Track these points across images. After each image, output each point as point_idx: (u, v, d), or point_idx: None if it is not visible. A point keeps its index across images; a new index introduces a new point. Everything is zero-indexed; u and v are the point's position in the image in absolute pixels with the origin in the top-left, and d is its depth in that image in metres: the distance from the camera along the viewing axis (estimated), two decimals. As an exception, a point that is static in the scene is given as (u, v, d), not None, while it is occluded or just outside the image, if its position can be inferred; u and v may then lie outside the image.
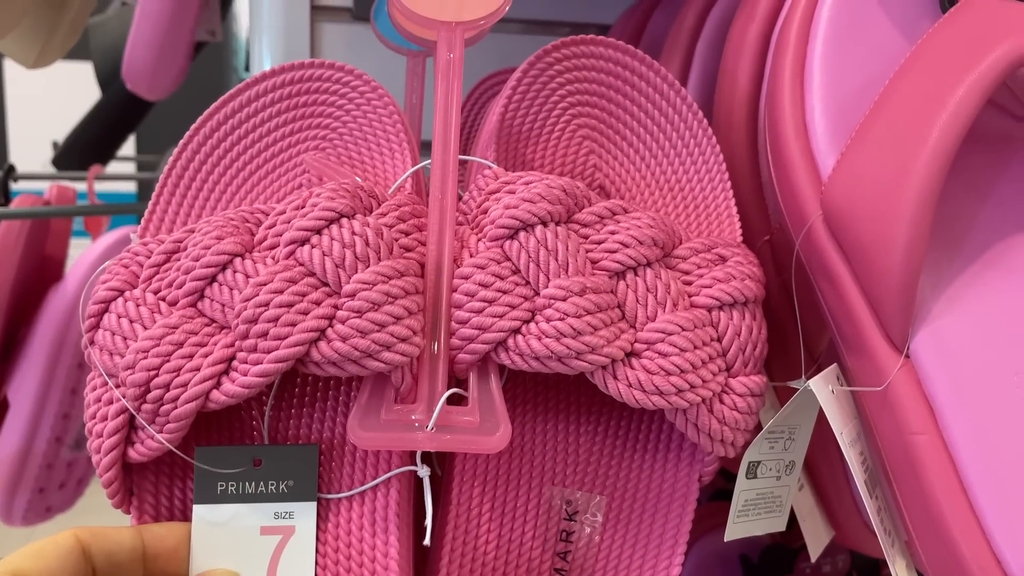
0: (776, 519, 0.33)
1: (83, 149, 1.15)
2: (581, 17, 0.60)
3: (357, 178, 0.31)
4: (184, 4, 0.90)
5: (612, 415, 0.33)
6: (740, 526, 0.31)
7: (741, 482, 0.31)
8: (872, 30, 0.33)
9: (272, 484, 0.28)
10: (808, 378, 0.31)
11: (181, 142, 0.33)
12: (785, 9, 0.35)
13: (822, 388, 0.30)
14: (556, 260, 0.29)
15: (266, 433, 0.30)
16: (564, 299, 0.28)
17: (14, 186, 0.91)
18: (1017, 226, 0.31)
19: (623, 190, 0.35)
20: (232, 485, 0.28)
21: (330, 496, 0.29)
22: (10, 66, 2.24)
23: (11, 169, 0.90)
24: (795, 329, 0.34)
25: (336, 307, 0.27)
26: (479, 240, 0.30)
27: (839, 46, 0.33)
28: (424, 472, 0.28)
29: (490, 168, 0.31)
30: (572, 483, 0.32)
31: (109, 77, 1.10)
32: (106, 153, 1.16)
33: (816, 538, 0.37)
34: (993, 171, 0.32)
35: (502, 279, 0.29)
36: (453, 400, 0.28)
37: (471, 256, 0.29)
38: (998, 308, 0.29)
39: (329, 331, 0.26)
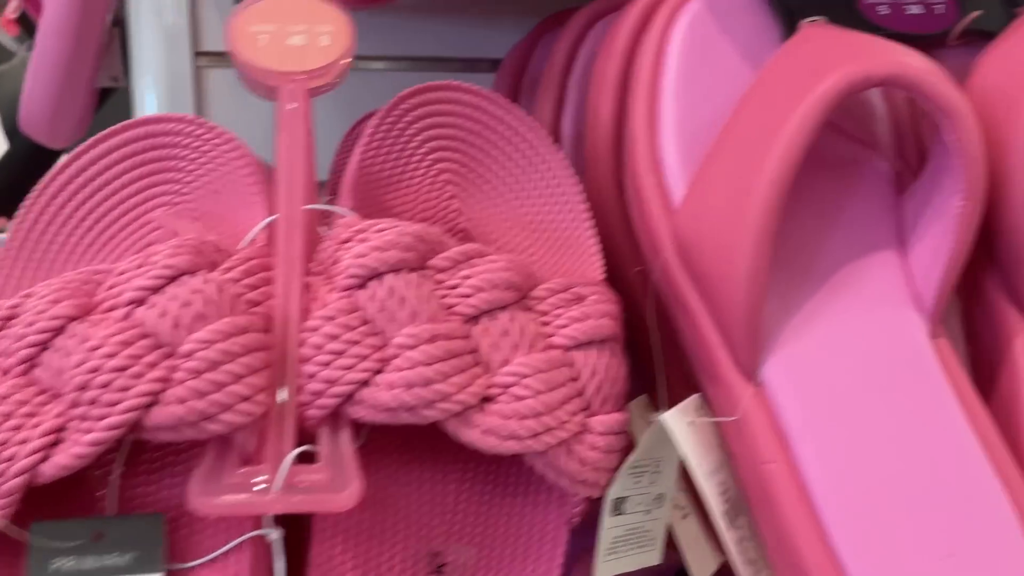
0: (649, 554, 0.33)
1: (-11, 200, 1.11)
2: (472, 52, 0.61)
3: (208, 235, 0.30)
4: (82, 48, 0.88)
5: (479, 462, 0.32)
6: (610, 564, 0.31)
7: (607, 520, 0.31)
8: (721, 62, 0.34)
9: (115, 557, 0.27)
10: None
11: (26, 202, 0.32)
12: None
13: (678, 420, 0.30)
14: (406, 308, 0.28)
15: (115, 503, 0.29)
16: (414, 347, 0.28)
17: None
18: (864, 249, 0.32)
19: (487, 232, 0.35)
20: (69, 561, 0.26)
21: (181, 566, 0.28)
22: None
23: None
24: (670, 358, 0.35)
25: (173, 369, 0.26)
26: (330, 291, 0.29)
27: (689, 79, 0.34)
28: (276, 535, 0.27)
29: (345, 217, 0.31)
30: (439, 535, 0.31)
31: (15, 127, 1.07)
32: (12, 205, 1.13)
33: (701, 567, 0.37)
34: (841, 195, 0.33)
35: (351, 330, 0.28)
36: (305, 458, 0.28)
37: (321, 308, 0.29)
38: (847, 331, 0.30)
39: (165, 394, 0.26)
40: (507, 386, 0.29)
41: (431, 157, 0.34)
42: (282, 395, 0.27)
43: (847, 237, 0.32)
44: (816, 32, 0.31)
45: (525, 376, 0.29)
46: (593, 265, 0.34)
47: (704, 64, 0.34)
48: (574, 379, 0.30)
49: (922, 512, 0.27)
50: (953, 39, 0.34)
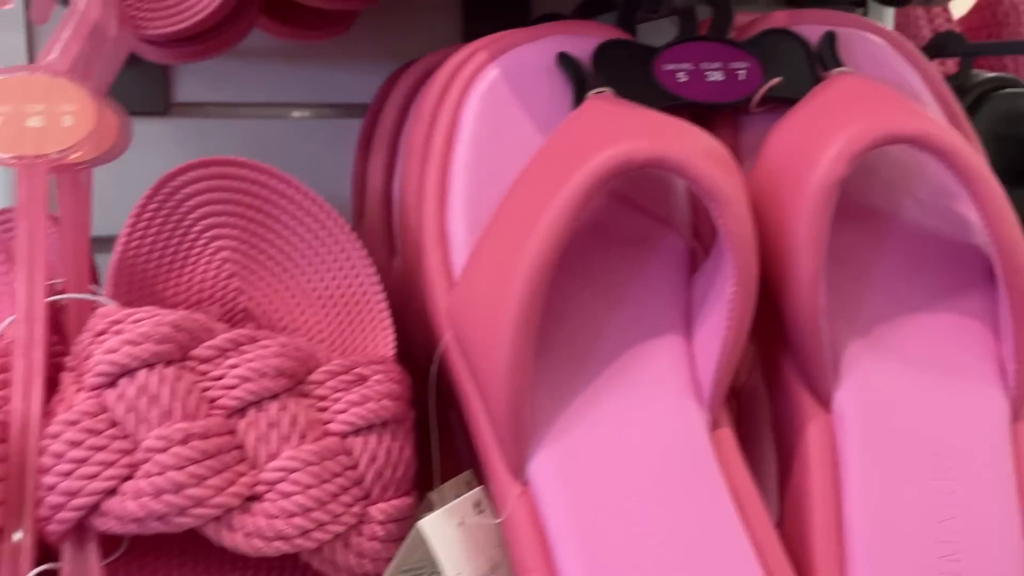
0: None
1: None
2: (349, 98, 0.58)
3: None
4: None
5: (263, 561, 0.31)
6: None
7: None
8: (515, 132, 0.33)
9: None
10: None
11: None
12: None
13: (441, 522, 0.28)
14: (158, 407, 0.27)
15: None
16: (164, 450, 0.26)
17: None
18: (649, 333, 0.31)
19: (270, 312, 0.33)
20: None
21: None
22: None
23: None
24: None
25: None
26: (78, 391, 0.27)
27: (481, 149, 0.33)
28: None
29: (104, 306, 0.29)
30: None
31: None
32: None
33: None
34: (631, 275, 0.32)
35: (97, 434, 0.26)
36: (47, 576, 0.25)
37: (67, 410, 0.27)
38: (622, 424, 0.29)
39: None
40: (274, 483, 0.27)
41: (207, 235, 0.33)
42: (18, 512, 0.25)
43: (633, 320, 0.31)
44: (596, 106, 0.31)
45: (294, 470, 0.27)
46: (385, 341, 0.33)
47: (497, 134, 0.33)
48: (352, 467, 0.29)
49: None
50: (755, 107, 0.34)
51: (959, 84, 0.46)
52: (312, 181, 0.56)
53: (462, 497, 0.30)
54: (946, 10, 0.82)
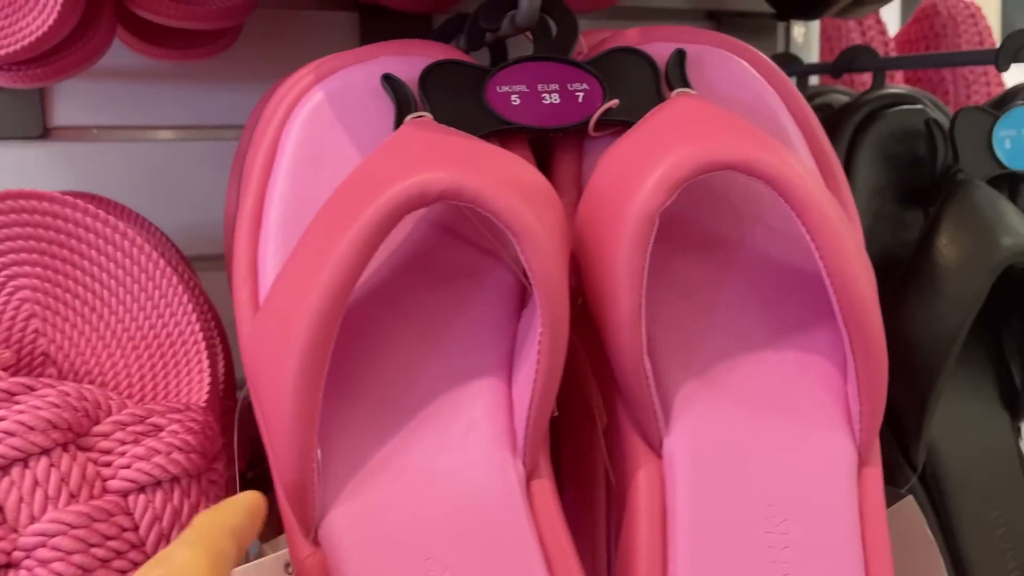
0: None
1: None
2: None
3: None
4: None
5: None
6: None
7: None
8: (336, 159, 0.31)
9: None
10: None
11: None
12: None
13: None
14: (-99, 468, 0.24)
15: None
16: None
17: None
18: (464, 376, 0.28)
19: (74, 356, 0.31)
20: None
21: None
22: None
23: None
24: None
25: None
26: None
27: (299, 178, 0.31)
28: None
29: None
30: None
31: None
32: None
33: None
34: (453, 313, 0.30)
35: None
36: None
37: None
38: (427, 478, 0.27)
39: None
40: (31, 549, 0.25)
41: (3, 274, 0.31)
42: None
43: (451, 363, 0.29)
44: (408, 132, 0.29)
45: (54, 535, 0.25)
46: (200, 384, 0.31)
47: (318, 160, 0.31)
48: (131, 529, 0.27)
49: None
50: (594, 130, 0.32)
51: (854, 101, 0.44)
52: (195, 205, 0.54)
53: (272, 555, 0.28)
54: (879, 22, 0.81)
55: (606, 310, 0.28)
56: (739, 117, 0.29)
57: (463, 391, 0.28)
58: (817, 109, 0.42)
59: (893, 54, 0.79)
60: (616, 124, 0.32)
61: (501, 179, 0.26)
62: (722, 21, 0.66)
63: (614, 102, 0.31)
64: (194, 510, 0.28)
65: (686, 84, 0.32)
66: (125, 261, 0.32)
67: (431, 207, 0.31)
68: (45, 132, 0.53)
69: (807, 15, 0.58)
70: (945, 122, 0.43)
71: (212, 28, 0.43)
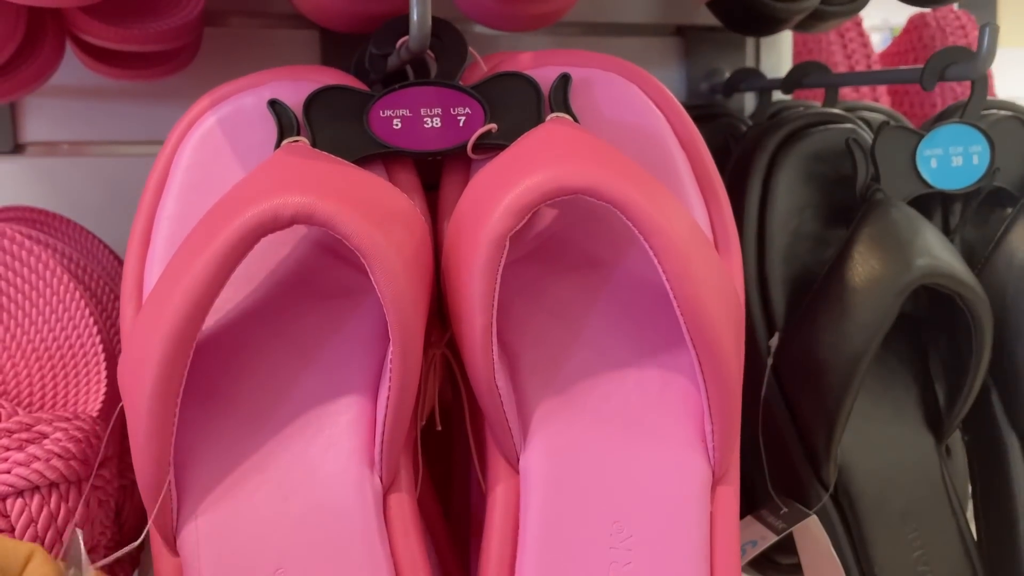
0: None
1: None
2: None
3: None
4: None
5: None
6: None
7: None
8: (222, 185, 0.32)
9: None
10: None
11: None
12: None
13: None
14: None
15: None
16: None
17: None
18: (331, 393, 0.29)
19: (-24, 364, 0.33)
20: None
21: None
22: None
23: None
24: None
25: None
26: None
27: (186, 203, 0.32)
28: None
29: None
30: None
31: None
32: None
33: None
34: (325, 330, 0.31)
35: None
36: None
37: None
38: (283, 491, 0.28)
39: None
40: (-96, 548, 0.27)
41: (-88, 288, 0.33)
42: None
43: (321, 380, 0.30)
44: (278, 157, 0.30)
45: (-73, 535, 0.27)
46: (96, 394, 0.33)
47: (206, 183, 0.32)
48: (7, 530, 0.28)
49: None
50: (473, 153, 0.33)
51: (776, 121, 0.44)
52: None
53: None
54: (862, 34, 0.80)
55: (461, 330, 0.29)
56: (603, 143, 0.30)
57: (329, 407, 0.29)
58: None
59: (876, 67, 0.79)
60: (495, 147, 0.32)
61: (355, 203, 0.27)
62: (690, 36, 0.66)
63: (491, 126, 0.32)
64: (71, 515, 0.29)
65: (567, 108, 0.33)
66: (27, 273, 0.33)
67: (312, 229, 0.32)
68: (16, 147, 0.55)
69: (759, 32, 0.58)
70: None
71: (152, 50, 0.45)
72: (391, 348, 0.27)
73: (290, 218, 0.26)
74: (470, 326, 0.28)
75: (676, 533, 0.28)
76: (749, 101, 0.65)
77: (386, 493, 0.29)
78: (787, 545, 0.48)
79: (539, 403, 0.30)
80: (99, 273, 0.38)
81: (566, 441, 0.29)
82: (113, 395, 0.33)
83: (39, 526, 0.29)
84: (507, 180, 0.28)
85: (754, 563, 0.50)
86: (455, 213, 0.30)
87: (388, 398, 0.28)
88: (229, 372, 0.30)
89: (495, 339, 0.28)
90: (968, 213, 0.44)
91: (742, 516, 0.43)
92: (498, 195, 0.28)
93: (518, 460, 0.29)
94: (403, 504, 0.28)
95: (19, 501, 0.29)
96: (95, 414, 0.32)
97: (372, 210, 0.27)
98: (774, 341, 0.41)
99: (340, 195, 0.27)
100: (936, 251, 0.39)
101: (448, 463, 0.40)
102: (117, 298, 0.37)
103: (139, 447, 0.27)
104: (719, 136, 0.51)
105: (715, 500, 0.29)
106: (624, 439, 0.29)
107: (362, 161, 0.32)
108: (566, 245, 0.32)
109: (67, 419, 0.31)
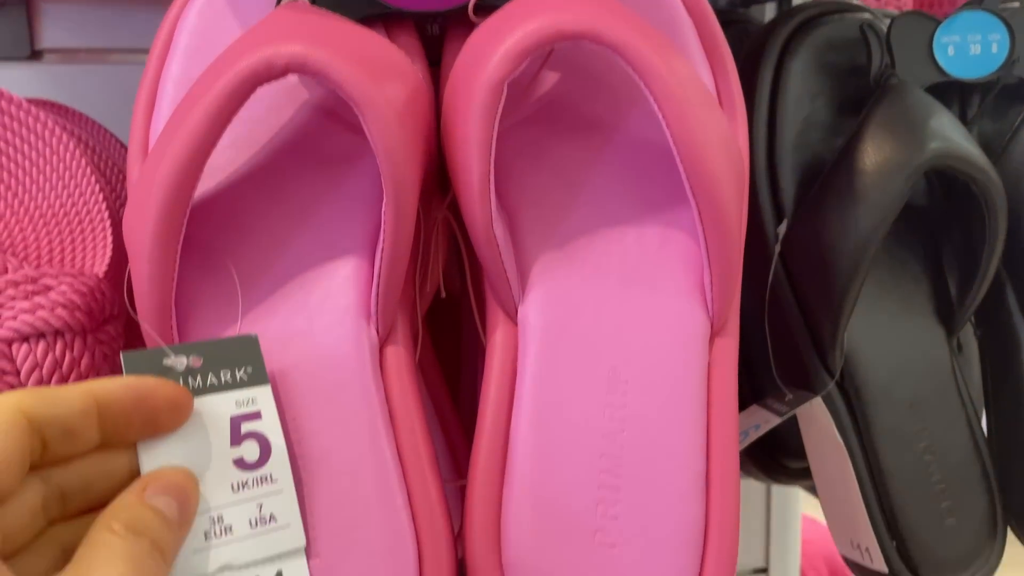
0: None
1: None
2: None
3: None
4: None
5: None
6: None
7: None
8: (223, 47, 0.32)
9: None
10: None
11: None
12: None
13: None
14: None
15: None
16: None
17: None
18: (328, 252, 0.30)
19: (-14, 227, 0.33)
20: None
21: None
22: None
23: None
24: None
25: None
26: None
27: (190, 66, 0.32)
28: None
29: None
30: None
31: None
32: None
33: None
34: (323, 192, 0.31)
35: None
36: None
37: None
38: (281, 342, 0.29)
39: None
40: (-87, 381, 0.27)
41: (-78, 150, 0.33)
42: None
43: (317, 239, 0.30)
44: (277, 14, 0.30)
45: (-65, 370, 0.27)
46: (102, 257, 0.33)
47: (209, 46, 0.32)
48: (12, 374, 0.29)
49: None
50: (473, 15, 0.32)
51: (789, 10, 0.43)
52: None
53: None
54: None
55: (459, 180, 0.28)
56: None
57: (327, 265, 0.30)
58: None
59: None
60: (496, 7, 0.32)
61: (349, 53, 0.27)
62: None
63: (482, -15, 0.32)
64: (76, 364, 0.30)
65: (569, -31, 0.32)
66: (36, 141, 0.34)
67: (314, 92, 0.32)
68: (33, 54, 0.55)
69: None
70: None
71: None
72: (384, 200, 0.27)
73: (283, 67, 0.26)
74: (467, 174, 0.28)
75: (673, 380, 0.28)
76: (770, 14, 0.64)
77: (382, 346, 0.29)
78: (797, 449, 0.48)
79: (538, 258, 0.30)
80: (109, 156, 0.39)
81: (564, 292, 0.29)
82: (120, 261, 0.34)
83: (44, 371, 0.29)
84: (506, 28, 0.28)
85: (764, 467, 0.51)
86: (454, 68, 0.30)
87: (382, 250, 0.28)
88: (229, 233, 0.30)
89: (492, 187, 0.28)
90: (986, 105, 0.43)
91: (746, 408, 0.43)
92: (497, 42, 0.28)
93: (516, 312, 0.29)
94: (399, 356, 0.29)
95: (24, 347, 0.29)
96: (101, 275, 0.32)
97: (366, 61, 0.27)
98: (782, 228, 0.41)
99: (334, 46, 0.27)
100: (951, 134, 0.38)
101: (457, 350, 0.41)
102: (125, 179, 0.38)
103: (142, 293, 0.27)
104: (736, 41, 0.50)
105: (713, 351, 0.29)
106: (622, 290, 0.29)
107: (363, 22, 0.32)
108: (567, 107, 0.32)
109: (72, 275, 0.31)
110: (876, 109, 0.40)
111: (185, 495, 0.24)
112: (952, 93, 0.43)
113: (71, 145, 0.34)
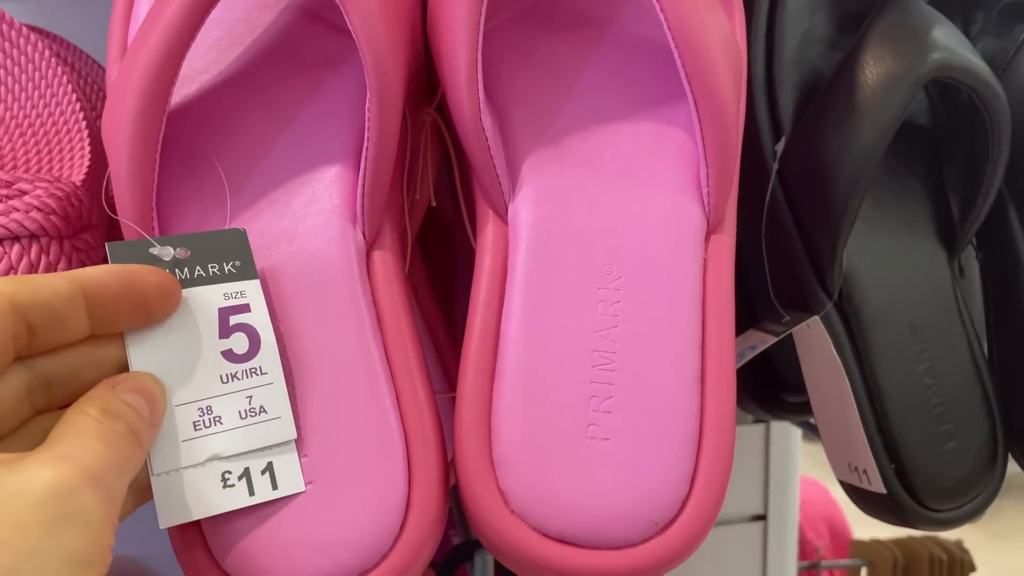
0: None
1: None
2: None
3: None
4: None
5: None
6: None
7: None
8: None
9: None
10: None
11: None
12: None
13: None
14: None
15: None
16: None
17: None
18: (312, 155, 0.29)
19: (-39, 135, 0.32)
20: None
21: None
22: None
23: None
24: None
25: None
26: None
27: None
28: None
29: None
30: None
31: None
32: None
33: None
34: (307, 96, 0.30)
35: None
36: None
37: None
38: (265, 242, 0.28)
39: None
40: None
41: None
42: None
43: (302, 143, 0.29)
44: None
45: (-96, 270, 0.26)
46: (80, 165, 0.32)
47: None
48: (-14, 275, 0.28)
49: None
50: None
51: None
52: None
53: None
54: None
55: (446, 69, 0.28)
56: None
57: (312, 168, 0.29)
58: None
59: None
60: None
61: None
62: None
63: None
64: (51, 268, 0.29)
65: None
66: (11, 50, 0.33)
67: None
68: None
69: None
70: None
71: None
72: (368, 94, 0.26)
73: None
74: (454, 62, 0.27)
75: (667, 275, 0.27)
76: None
77: (369, 250, 0.28)
78: (795, 383, 0.47)
79: (529, 154, 0.29)
80: (90, 75, 0.37)
81: (556, 189, 0.28)
82: (98, 171, 0.33)
83: (20, 271, 0.28)
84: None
85: (762, 402, 0.50)
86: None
87: (367, 148, 0.27)
88: (210, 136, 0.29)
89: (480, 75, 0.27)
90: (989, 21, 0.42)
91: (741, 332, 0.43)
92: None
93: (507, 211, 0.28)
94: (386, 260, 0.28)
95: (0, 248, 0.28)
96: (78, 183, 0.31)
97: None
98: (780, 145, 0.40)
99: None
100: (953, 45, 0.37)
101: (452, 275, 0.40)
102: (104, 97, 0.37)
103: (122, 192, 0.26)
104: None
105: (709, 247, 0.28)
106: (615, 185, 0.28)
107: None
108: (559, 4, 0.31)
109: (48, 180, 0.30)
110: (877, 21, 0.38)
111: (153, 397, 0.23)
112: (955, 9, 0.42)
113: (47, 53, 0.33)
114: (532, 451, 0.25)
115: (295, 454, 0.25)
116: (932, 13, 0.38)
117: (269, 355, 0.25)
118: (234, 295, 0.25)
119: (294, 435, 0.25)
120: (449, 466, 0.27)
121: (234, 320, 0.25)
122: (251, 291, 0.25)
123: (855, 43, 0.38)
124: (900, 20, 0.38)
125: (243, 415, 0.24)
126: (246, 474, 0.24)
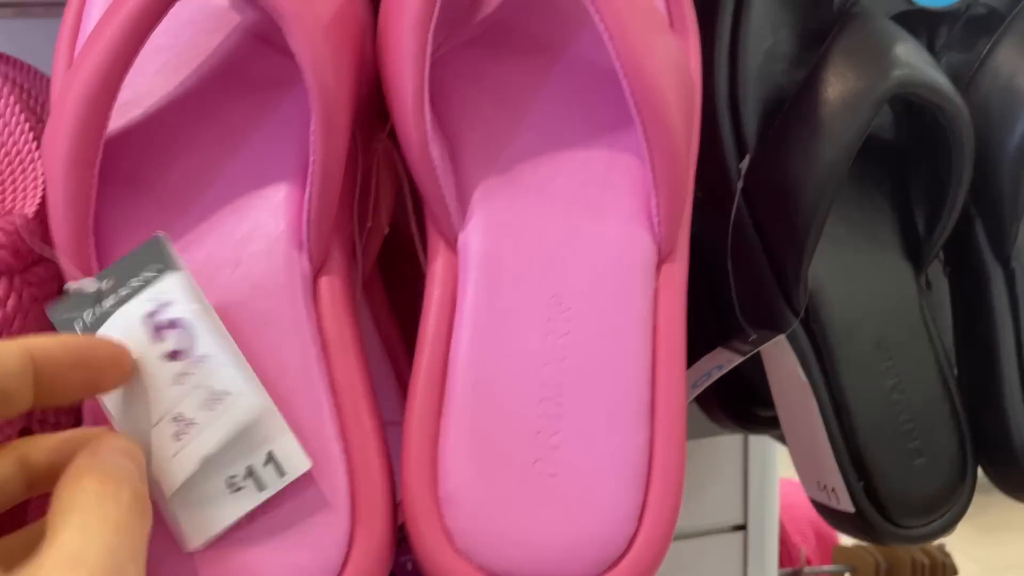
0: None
1: None
2: None
3: None
4: None
5: None
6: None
7: None
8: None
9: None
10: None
11: None
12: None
13: None
14: None
15: None
16: None
17: None
18: (259, 179, 0.28)
19: (-90, 166, 0.32)
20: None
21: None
22: None
23: None
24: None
25: None
26: None
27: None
28: None
29: None
30: None
31: None
32: None
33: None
34: (255, 118, 0.29)
35: None
36: None
37: None
38: (208, 270, 0.27)
39: None
40: None
41: None
42: None
43: (249, 166, 0.29)
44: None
45: None
46: (33, 196, 0.32)
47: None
48: (-70, 313, 0.27)
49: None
50: None
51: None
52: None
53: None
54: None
55: (393, 96, 0.27)
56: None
57: (257, 192, 0.28)
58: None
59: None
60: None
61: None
62: None
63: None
64: (1, 304, 0.29)
65: None
66: (-42, 77, 0.32)
67: (246, 16, 0.31)
68: (-20, 7, 0.54)
69: None
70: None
71: None
72: (312, 118, 0.26)
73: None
74: (401, 89, 0.27)
75: (617, 306, 0.27)
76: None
77: (316, 276, 0.28)
78: (768, 397, 0.47)
79: (479, 183, 0.28)
80: (39, 93, 0.37)
81: (506, 218, 0.28)
82: (51, 200, 0.32)
83: (-37, 310, 0.28)
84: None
85: (736, 417, 0.50)
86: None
87: (312, 172, 0.26)
88: (155, 159, 0.29)
89: (427, 103, 0.26)
90: (953, 35, 0.42)
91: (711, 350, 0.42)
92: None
93: (456, 240, 0.28)
94: (333, 286, 0.27)
95: (-57, 285, 0.28)
96: (30, 215, 0.31)
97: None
98: (744, 163, 0.39)
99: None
100: (916, 62, 0.37)
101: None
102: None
103: (58, 220, 0.26)
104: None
105: (661, 277, 0.27)
106: (566, 215, 0.28)
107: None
108: (511, 31, 0.31)
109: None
110: (839, 37, 0.38)
111: (134, 453, 0.23)
112: (919, 23, 0.42)
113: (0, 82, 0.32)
114: (479, 487, 0.25)
115: (290, 434, 0.25)
116: (895, 29, 0.38)
117: (207, 337, 0.24)
118: (155, 298, 0.25)
119: (266, 402, 0.24)
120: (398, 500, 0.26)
121: (159, 319, 0.25)
122: (172, 285, 0.25)
123: (817, 60, 0.38)
124: (862, 36, 0.38)
125: (209, 407, 0.24)
126: (251, 472, 0.24)
